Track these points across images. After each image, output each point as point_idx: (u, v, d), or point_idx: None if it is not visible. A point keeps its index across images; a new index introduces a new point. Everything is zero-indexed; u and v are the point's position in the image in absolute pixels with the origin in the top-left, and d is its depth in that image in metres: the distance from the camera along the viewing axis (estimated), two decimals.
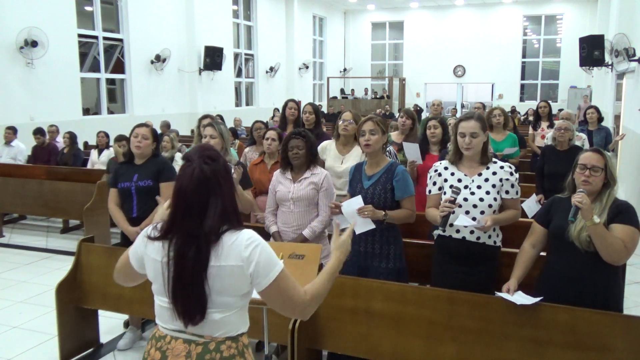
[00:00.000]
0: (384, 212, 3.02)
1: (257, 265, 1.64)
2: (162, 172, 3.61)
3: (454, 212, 2.79)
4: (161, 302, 1.70)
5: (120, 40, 11.59)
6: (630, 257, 2.56)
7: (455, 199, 2.78)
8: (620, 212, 2.53)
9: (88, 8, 10.97)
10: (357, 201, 3.00)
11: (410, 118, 5.06)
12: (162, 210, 1.90)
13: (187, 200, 1.64)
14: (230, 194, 1.70)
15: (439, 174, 3.02)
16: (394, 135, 5.13)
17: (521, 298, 2.59)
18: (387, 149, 4.29)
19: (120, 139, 6.50)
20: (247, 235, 1.66)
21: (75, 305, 3.63)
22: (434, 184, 3.04)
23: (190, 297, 1.62)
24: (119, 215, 3.66)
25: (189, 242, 1.62)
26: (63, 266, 5.31)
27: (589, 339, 2.49)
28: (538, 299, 2.56)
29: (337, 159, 4.15)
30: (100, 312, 3.86)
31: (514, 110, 16.05)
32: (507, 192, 2.90)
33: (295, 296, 1.71)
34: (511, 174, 2.90)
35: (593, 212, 2.46)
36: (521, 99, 20.90)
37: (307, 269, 2.60)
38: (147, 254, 1.72)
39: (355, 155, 4.07)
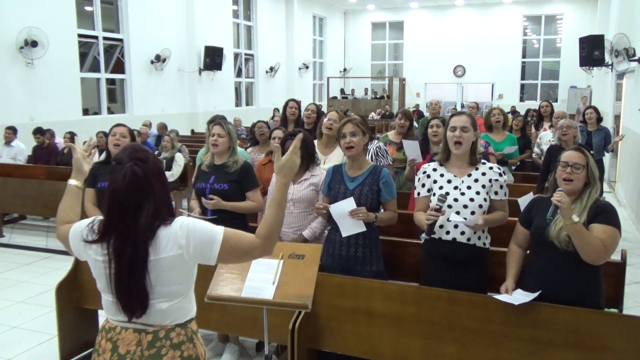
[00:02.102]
0: (374, 215, 3.01)
1: (198, 244, 1.70)
2: None
3: (443, 213, 2.75)
4: (107, 297, 1.76)
5: (120, 40, 11.59)
6: (610, 257, 2.54)
7: (441, 207, 2.72)
8: (601, 212, 2.53)
9: (88, 8, 10.96)
10: (349, 203, 2.95)
11: (407, 118, 5.08)
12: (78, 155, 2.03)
13: (121, 201, 1.68)
14: (162, 191, 1.75)
15: (428, 176, 2.96)
16: (392, 135, 5.16)
17: (520, 297, 2.58)
18: (377, 145, 4.30)
19: None
20: (178, 223, 1.72)
21: (75, 305, 3.63)
22: (423, 185, 2.98)
23: (132, 293, 1.67)
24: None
25: (126, 241, 1.67)
26: (63, 266, 5.31)
27: (589, 339, 2.49)
28: (536, 293, 2.55)
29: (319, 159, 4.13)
30: (100, 312, 3.85)
31: (514, 111, 16.01)
32: (496, 193, 2.87)
33: (248, 246, 1.76)
34: (500, 175, 2.88)
35: (572, 211, 2.45)
36: (521, 99, 20.87)
37: (307, 269, 2.60)
38: (89, 255, 1.76)
39: (337, 156, 4.04)
